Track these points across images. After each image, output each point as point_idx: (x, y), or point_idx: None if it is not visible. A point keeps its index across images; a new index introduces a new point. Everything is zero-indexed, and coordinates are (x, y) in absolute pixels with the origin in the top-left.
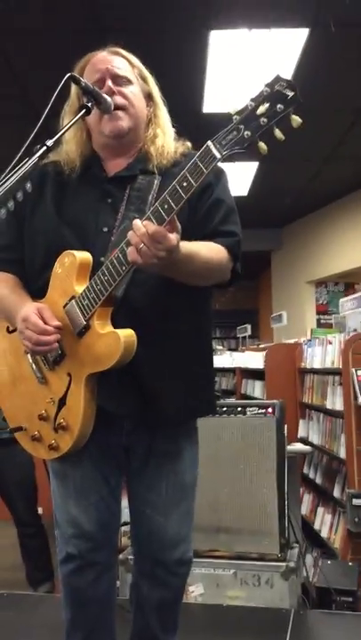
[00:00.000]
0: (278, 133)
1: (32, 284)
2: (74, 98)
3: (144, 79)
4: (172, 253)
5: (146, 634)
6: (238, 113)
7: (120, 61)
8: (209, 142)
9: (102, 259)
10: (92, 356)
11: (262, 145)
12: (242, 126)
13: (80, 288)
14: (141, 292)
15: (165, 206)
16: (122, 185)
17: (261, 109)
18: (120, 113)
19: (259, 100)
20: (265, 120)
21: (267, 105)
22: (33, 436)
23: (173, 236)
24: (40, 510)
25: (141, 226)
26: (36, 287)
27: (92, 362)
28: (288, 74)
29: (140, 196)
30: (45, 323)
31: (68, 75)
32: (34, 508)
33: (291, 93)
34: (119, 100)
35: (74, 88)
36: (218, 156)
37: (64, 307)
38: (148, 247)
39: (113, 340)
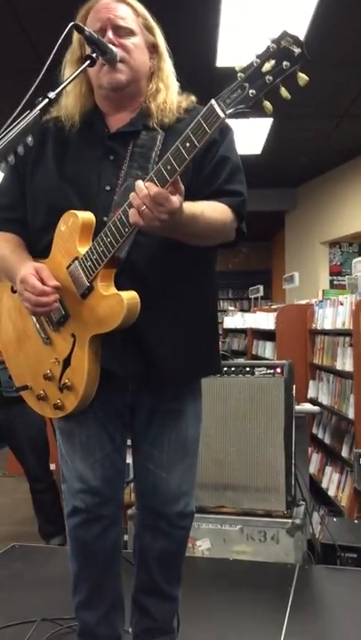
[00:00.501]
0: (284, 92)
1: (35, 243)
2: (75, 46)
3: (149, 29)
4: (175, 215)
5: (149, 585)
6: (243, 70)
7: (124, 10)
8: (212, 101)
9: (105, 218)
10: (96, 318)
11: (267, 104)
12: (246, 84)
13: (83, 249)
14: (144, 253)
15: (168, 167)
16: (124, 141)
17: (267, 66)
18: (119, 65)
19: (264, 57)
20: (270, 78)
21: (273, 62)
22: (38, 395)
23: (176, 199)
24: (52, 466)
25: (143, 187)
26: (40, 247)
27: (96, 323)
28: (303, 26)
29: (143, 152)
30: (44, 283)
31: (72, 24)
32: (45, 463)
33: (298, 50)
34: (119, 52)
35: (76, 36)
36: (222, 115)
37: (67, 267)
38: (150, 209)
39: (116, 302)
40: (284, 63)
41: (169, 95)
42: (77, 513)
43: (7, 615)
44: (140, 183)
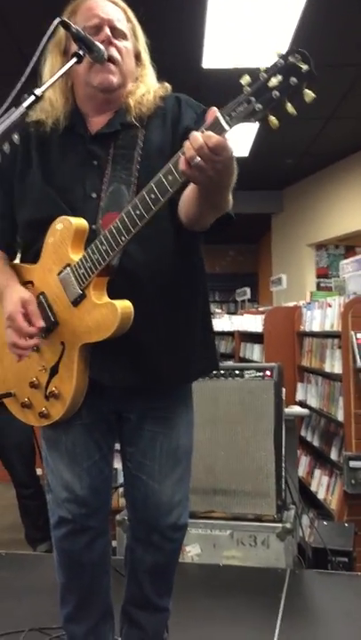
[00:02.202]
0: (290, 108)
1: (25, 249)
2: (60, 37)
3: (136, 37)
4: (230, 165)
5: (139, 597)
6: (250, 84)
7: (119, 13)
8: (217, 114)
9: (94, 226)
10: (88, 326)
11: (273, 119)
12: (253, 98)
13: (75, 256)
14: (137, 261)
15: (170, 177)
16: (105, 144)
17: (274, 82)
18: (112, 67)
19: (271, 72)
20: (277, 93)
21: (280, 77)
22: (23, 403)
23: (230, 146)
24: (38, 471)
25: (199, 137)
26: (30, 252)
27: (88, 332)
28: (291, 27)
29: (125, 154)
30: (30, 322)
31: (58, 20)
32: (32, 469)
33: (305, 67)
34: (115, 53)
35: (62, 30)
36: (227, 127)
37: (58, 274)
38: (206, 160)
39: (110, 311)
40: (292, 79)
41: (148, 90)
42: (64, 524)
43: None
44: (195, 134)
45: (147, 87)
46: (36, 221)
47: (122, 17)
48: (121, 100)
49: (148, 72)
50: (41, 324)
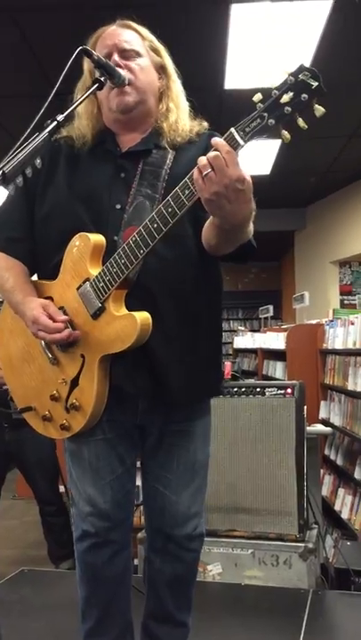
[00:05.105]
0: (301, 122)
1: (44, 263)
2: (86, 74)
3: (156, 51)
4: (248, 190)
5: (160, 611)
6: (262, 101)
7: (129, 34)
8: (232, 129)
9: (115, 237)
10: (108, 338)
11: (285, 133)
12: (265, 114)
13: (94, 270)
14: (155, 274)
15: (187, 192)
16: (135, 160)
17: (285, 98)
18: (127, 88)
19: (283, 89)
20: (289, 109)
21: (291, 94)
22: (44, 416)
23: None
24: (62, 488)
25: (214, 152)
26: (49, 266)
27: (108, 343)
28: (311, 47)
29: (153, 170)
30: (53, 319)
31: (81, 47)
32: (55, 486)
33: (315, 83)
34: (127, 74)
35: (86, 65)
36: (242, 142)
37: (77, 288)
38: (217, 171)
39: (129, 323)
40: (303, 95)
41: (180, 115)
42: (87, 537)
43: None
44: (217, 139)
45: (177, 108)
46: (57, 233)
47: (133, 37)
48: (151, 119)
49: (175, 84)
50: (64, 317)
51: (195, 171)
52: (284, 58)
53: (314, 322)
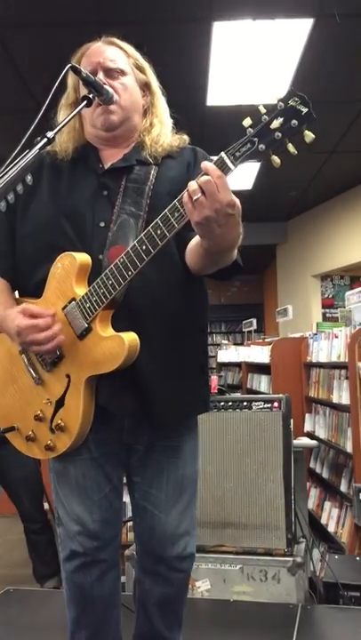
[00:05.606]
0: (291, 148)
1: (24, 279)
2: (70, 91)
3: (140, 69)
4: (237, 213)
5: (149, 631)
6: (252, 125)
7: (114, 52)
8: (223, 154)
9: (100, 256)
10: (94, 359)
11: (275, 158)
12: (256, 139)
13: (80, 290)
14: (141, 294)
15: (176, 214)
16: (117, 176)
17: (275, 124)
18: (112, 106)
19: (273, 115)
20: (279, 134)
21: (281, 119)
22: (27, 437)
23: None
24: (46, 506)
25: (205, 176)
26: (31, 284)
27: (94, 364)
28: (292, 65)
29: (137, 187)
30: (41, 316)
31: (69, 65)
32: (40, 503)
33: (305, 110)
34: (111, 91)
35: (70, 81)
36: (232, 167)
37: (63, 308)
38: (207, 195)
39: (117, 344)
40: (293, 122)
41: (163, 130)
42: (75, 557)
43: None
44: (207, 164)
45: (161, 124)
46: (41, 249)
47: (117, 55)
48: (134, 134)
49: (159, 101)
50: (50, 311)
51: (184, 195)
52: (265, 75)
53: (298, 335)
